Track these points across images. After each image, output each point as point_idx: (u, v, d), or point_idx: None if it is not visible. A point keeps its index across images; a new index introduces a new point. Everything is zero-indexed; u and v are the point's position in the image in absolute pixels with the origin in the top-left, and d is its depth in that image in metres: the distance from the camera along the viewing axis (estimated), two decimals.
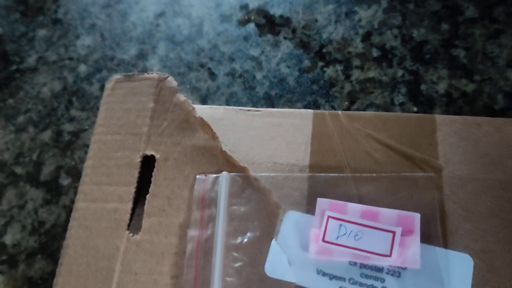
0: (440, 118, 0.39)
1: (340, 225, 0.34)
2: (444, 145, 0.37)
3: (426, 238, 0.33)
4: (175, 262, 0.34)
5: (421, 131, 0.38)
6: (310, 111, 0.40)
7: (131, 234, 0.34)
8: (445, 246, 0.33)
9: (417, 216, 0.34)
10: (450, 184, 0.36)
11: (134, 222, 0.35)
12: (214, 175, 0.36)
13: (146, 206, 0.36)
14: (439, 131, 0.38)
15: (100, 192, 0.37)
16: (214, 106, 0.42)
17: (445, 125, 0.38)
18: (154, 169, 0.37)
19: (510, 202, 0.34)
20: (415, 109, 0.46)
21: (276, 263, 0.33)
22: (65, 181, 0.46)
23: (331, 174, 0.36)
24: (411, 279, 0.32)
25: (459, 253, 0.33)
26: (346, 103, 0.47)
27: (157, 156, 0.37)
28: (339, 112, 0.40)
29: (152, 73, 0.42)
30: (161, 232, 0.35)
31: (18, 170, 0.47)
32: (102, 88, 0.51)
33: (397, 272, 0.32)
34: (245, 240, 0.34)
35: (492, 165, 0.36)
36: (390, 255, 0.32)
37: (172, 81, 0.41)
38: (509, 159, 0.36)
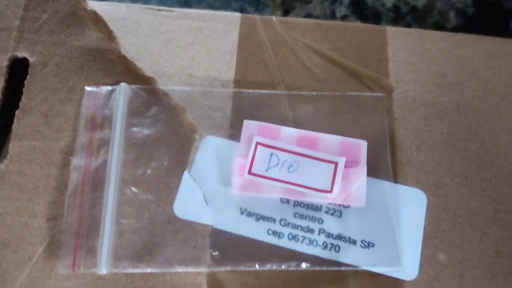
0: (391, 31, 0.32)
1: (271, 153, 0.27)
2: (395, 62, 0.31)
3: (373, 170, 0.27)
4: (53, 200, 0.26)
5: (370, 44, 0.32)
6: (237, 14, 0.32)
7: None
8: (395, 180, 0.27)
9: (363, 144, 0.27)
10: (402, 107, 0.30)
11: None
12: (110, 87, 0.28)
13: (14, 126, 0.27)
14: (390, 45, 0.32)
15: None
16: (114, 3, 0.32)
17: (397, 38, 0.32)
18: (27, 76, 0.27)
19: (468, 129, 0.29)
20: (358, 23, 0.39)
21: (189, 201, 0.26)
22: None
23: (262, 91, 0.29)
24: (354, 219, 0.26)
25: (411, 188, 0.27)
26: (279, 12, 0.40)
27: (31, 60, 0.28)
28: (273, 17, 0.32)
29: None
30: (35, 161, 0.26)
31: None
32: None
33: (338, 211, 0.26)
34: (149, 171, 0.26)
35: (449, 86, 0.30)
36: (330, 191, 0.26)
37: None
38: (468, 80, 0.30)
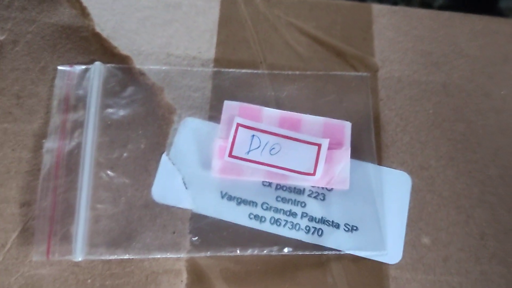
0: (377, 8, 0.31)
1: (253, 135, 0.26)
2: (380, 40, 0.30)
3: (358, 152, 0.27)
4: (26, 185, 0.25)
5: (355, 22, 0.31)
6: None
7: None
8: (380, 162, 0.27)
9: (347, 125, 0.27)
10: (387, 87, 0.29)
11: None
12: (84, 66, 0.26)
13: None
14: (375, 23, 0.31)
15: None
16: None
17: (383, 16, 0.31)
18: None
19: (454, 110, 0.28)
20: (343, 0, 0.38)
21: (167, 185, 0.25)
22: None
23: (243, 70, 0.28)
24: (337, 202, 0.26)
25: (395, 171, 0.27)
26: None
27: (1, 38, 0.26)
28: None
29: None
30: (6, 143, 0.25)
31: None
32: None
33: (321, 195, 0.26)
34: (125, 154, 0.25)
35: (435, 65, 0.30)
36: (313, 174, 0.25)
37: None
38: (455, 59, 0.30)
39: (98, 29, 0.28)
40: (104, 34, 0.28)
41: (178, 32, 0.29)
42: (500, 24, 0.31)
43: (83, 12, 0.28)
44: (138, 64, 0.27)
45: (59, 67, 0.26)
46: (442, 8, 0.38)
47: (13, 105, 0.26)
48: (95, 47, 0.27)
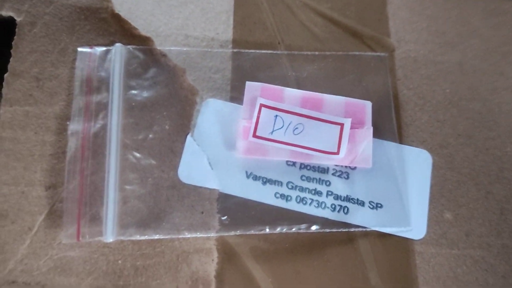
0: None
1: (276, 116, 0.26)
2: (395, 21, 0.30)
3: (379, 131, 0.27)
4: (51, 167, 0.24)
5: (370, 2, 0.31)
6: None
7: None
8: (400, 141, 0.27)
9: (368, 105, 0.27)
10: (404, 67, 0.29)
11: None
12: (104, 48, 0.26)
13: (4, 90, 0.25)
14: (389, 3, 0.31)
15: None
16: None
17: None
18: (15, 37, 0.25)
19: (470, 88, 0.29)
20: None
21: (193, 166, 0.25)
22: None
23: (262, 51, 0.28)
24: (361, 181, 0.26)
25: (416, 149, 0.27)
26: None
27: (18, 19, 0.26)
28: None
29: None
30: (29, 127, 0.25)
31: None
32: None
33: (345, 173, 0.26)
34: (150, 136, 0.25)
35: (450, 45, 0.30)
36: (337, 153, 0.25)
37: None
38: (469, 38, 0.30)
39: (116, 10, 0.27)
40: (122, 15, 0.28)
41: (194, 13, 0.29)
42: None
43: None
44: (158, 45, 0.27)
45: (79, 49, 0.26)
46: None
47: (33, 88, 0.25)
48: (115, 28, 0.27)
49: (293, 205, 0.25)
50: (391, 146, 0.27)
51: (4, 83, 0.25)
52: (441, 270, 0.25)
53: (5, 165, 0.24)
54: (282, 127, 0.26)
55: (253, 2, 0.30)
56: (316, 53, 0.28)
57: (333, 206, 0.25)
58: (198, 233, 0.24)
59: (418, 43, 0.30)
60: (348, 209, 0.25)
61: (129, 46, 0.26)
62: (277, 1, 0.30)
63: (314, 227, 0.25)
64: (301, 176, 0.26)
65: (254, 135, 0.25)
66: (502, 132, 0.28)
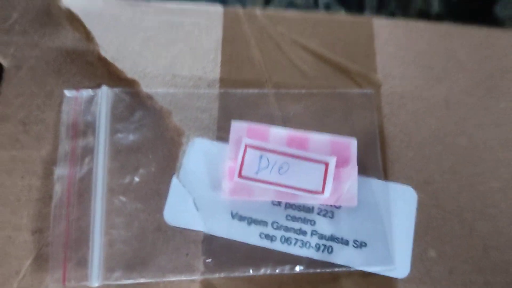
0: (378, 23, 0.32)
1: (261, 156, 0.26)
2: (382, 56, 0.31)
3: (364, 168, 0.27)
4: (37, 212, 0.25)
5: (357, 37, 0.31)
6: (220, 8, 0.31)
7: None
8: (386, 178, 0.27)
9: (353, 142, 0.27)
10: (390, 102, 0.29)
11: None
12: (90, 91, 0.26)
13: None
14: (377, 38, 0.31)
15: None
16: None
17: (384, 30, 0.31)
18: (1, 81, 0.26)
19: (456, 124, 0.29)
20: (342, 12, 0.38)
21: (179, 208, 0.26)
22: None
23: (249, 91, 0.28)
24: (346, 219, 0.26)
25: (401, 186, 0.27)
26: (260, 1, 0.38)
27: (4, 64, 0.26)
28: (257, 11, 0.31)
29: None
30: (15, 171, 0.25)
31: None
32: None
33: (330, 212, 0.26)
34: (136, 179, 0.26)
35: (437, 80, 0.30)
36: (322, 192, 0.26)
37: None
38: (456, 73, 0.30)
39: (101, 51, 0.28)
40: (108, 56, 0.28)
41: (182, 52, 0.29)
42: (498, 37, 0.31)
43: (88, 36, 0.28)
44: (145, 86, 0.27)
45: (66, 92, 0.26)
46: (439, 16, 0.39)
47: (20, 132, 0.26)
48: (101, 71, 0.27)
49: (277, 246, 0.26)
50: (376, 184, 0.27)
51: None
52: None
53: None
54: (267, 167, 0.26)
55: (241, 39, 0.30)
56: (303, 91, 0.29)
57: (318, 246, 0.26)
58: (182, 276, 0.24)
59: (405, 78, 0.30)
60: (332, 248, 0.26)
61: (115, 89, 0.27)
62: (265, 38, 0.30)
63: (298, 268, 0.25)
64: (286, 216, 0.26)
65: (240, 176, 0.26)
66: (487, 168, 0.28)
